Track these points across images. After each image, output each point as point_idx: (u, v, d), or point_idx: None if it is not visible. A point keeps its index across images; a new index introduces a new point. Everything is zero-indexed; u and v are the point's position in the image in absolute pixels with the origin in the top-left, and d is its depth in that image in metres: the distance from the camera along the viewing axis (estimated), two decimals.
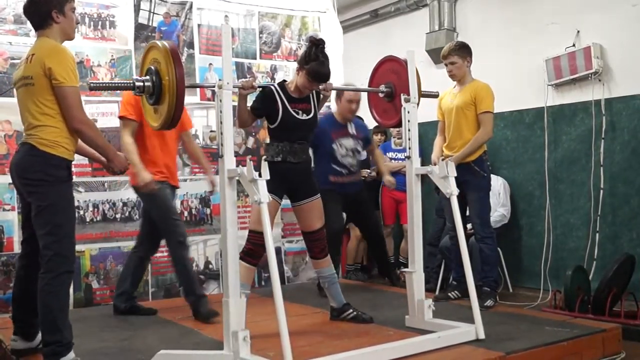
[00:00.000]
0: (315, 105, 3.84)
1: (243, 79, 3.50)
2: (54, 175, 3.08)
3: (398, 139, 5.94)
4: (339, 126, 5.08)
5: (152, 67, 3.11)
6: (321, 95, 3.90)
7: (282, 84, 3.77)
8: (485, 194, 4.60)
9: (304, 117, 3.75)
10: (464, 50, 4.58)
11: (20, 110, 3.24)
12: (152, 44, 3.19)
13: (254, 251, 3.61)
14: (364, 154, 6.33)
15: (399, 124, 4.06)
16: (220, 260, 4.64)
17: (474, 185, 4.46)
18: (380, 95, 4.11)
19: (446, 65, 4.62)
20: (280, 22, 5.87)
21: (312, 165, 4.26)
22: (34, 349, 3.38)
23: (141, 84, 3.13)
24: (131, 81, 3.17)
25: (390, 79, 4.05)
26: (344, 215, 5.29)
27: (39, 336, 3.36)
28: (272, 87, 3.73)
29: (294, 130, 3.72)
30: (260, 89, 3.73)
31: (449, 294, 4.61)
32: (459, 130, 4.56)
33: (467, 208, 4.59)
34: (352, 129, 5.10)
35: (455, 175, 3.67)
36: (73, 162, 3.22)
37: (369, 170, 5.81)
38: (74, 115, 3.08)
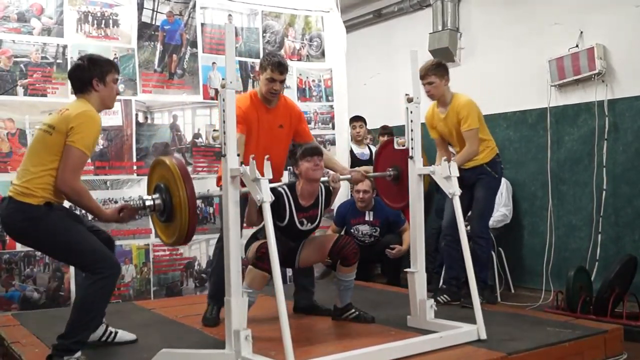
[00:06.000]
0: (322, 208, 3.85)
1: None
2: (34, 216, 3.08)
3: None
4: (357, 213, 5.65)
5: (162, 185, 3.06)
6: (331, 189, 3.88)
7: (293, 187, 3.76)
8: (492, 194, 4.56)
9: (308, 226, 3.80)
10: (441, 69, 4.43)
11: (27, 151, 3.29)
12: (159, 161, 3.14)
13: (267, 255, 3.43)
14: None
15: (407, 206, 3.95)
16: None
17: (484, 182, 4.43)
18: (388, 179, 4.06)
19: (424, 85, 4.41)
20: (284, 21, 5.87)
21: None
22: (96, 341, 3.44)
23: (151, 202, 3.07)
24: (140, 200, 3.11)
25: (396, 161, 3.98)
26: None
27: (100, 329, 3.46)
28: (283, 191, 3.71)
29: (294, 235, 3.78)
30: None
31: (438, 297, 4.39)
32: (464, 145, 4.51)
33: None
34: (369, 216, 5.62)
35: (458, 175, 3.66)
36: None
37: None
38: (66, 177, 3.06)
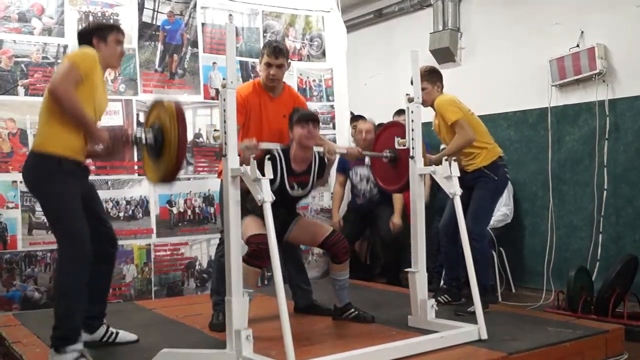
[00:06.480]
0: (314, 175, 3.82)
1: (247, 140, 3.44)
2: (43, 172, 3.13)
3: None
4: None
5: (157, 122, 3.11)
6: (326, 161, 3.87)
7: (287, 151, 3.74)
8: (490, 195, 4.39)
9: (298, 192, 3.77)
10: (434, 76, 4.40)
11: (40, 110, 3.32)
12: (159, 101, 3.20)
13: (260, 251, 3.45)
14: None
15: (401, 190, 4.01)
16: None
17: (481, 184, 4.31)
18: (384, 160, 4.06)
19: None
20: (284, 21, 5.87)
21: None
22: (98, 342, 3.45)
23: (143, 136, 3.11)
24: (133, 135, 3.16)
25: (394, 144, 3.95)
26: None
27: (101, 330, 3.47)
28: (276, 153, 3.69)
29: (283, 200, 3.70)
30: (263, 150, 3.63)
31: (439, 298, 4.36)
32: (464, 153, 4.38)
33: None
34: (368, 159, 5.42)
35: (459, 175, 3.66)
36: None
37: None
38: (56, 81, 3.07)
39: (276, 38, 5.78)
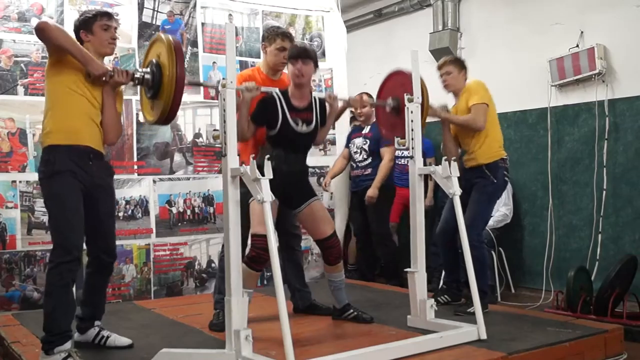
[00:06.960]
0: (317, 115, 3.79)
1: (247, 82, 3.48)
2: (46, 169, 3.18)
3: (402, 138, 5.93)
4: (357, 130, 5.84)
5: (154, 60, 3.11)
6: (326, 106, 3.85)
7: (285, 92, 3.74)
8: (487, 199, 4.34)
9: (304, 128, 3.71)
10: (459, 63, 4.45)
11: None
12: (157, 37, 3.20)
13: (259, 257, 3.46)
14: None
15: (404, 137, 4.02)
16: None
17: (479, 186, 4.28)
18: (387, 109, 4.04)
19: (441, 76, 4.44)
20: (284, 21, 5.87)
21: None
22: (90, 343, 3.43)
23: (141, 75, 3.12)
24: (131, 72, 3.18)
25: (398, 93, 3.94)
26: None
27: (92, 331, 3.45)
28: (275, 93, 3.69)
29: (291, 140, 3.68)
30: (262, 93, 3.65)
31: (438, 298, 4.36)
32: (469, 140, 4.39)
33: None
34: (367, 129, 5.70)
35: (459, 175, 3.66)
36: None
37: None
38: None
39: None
